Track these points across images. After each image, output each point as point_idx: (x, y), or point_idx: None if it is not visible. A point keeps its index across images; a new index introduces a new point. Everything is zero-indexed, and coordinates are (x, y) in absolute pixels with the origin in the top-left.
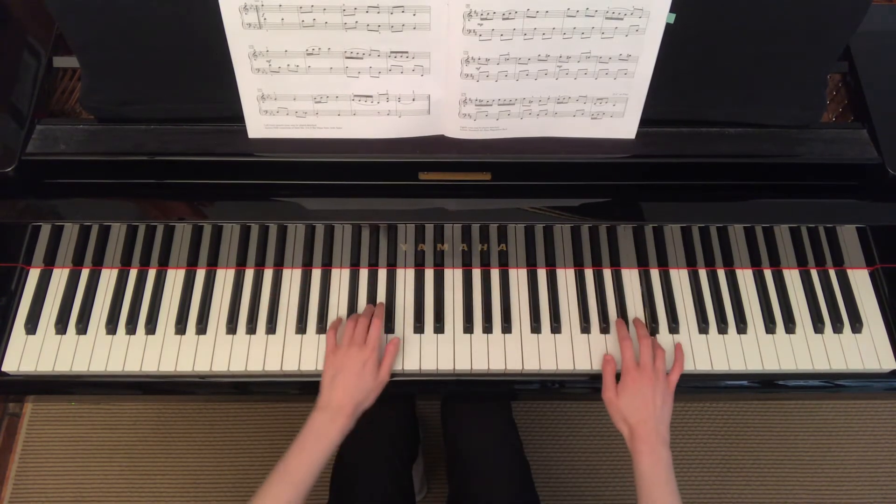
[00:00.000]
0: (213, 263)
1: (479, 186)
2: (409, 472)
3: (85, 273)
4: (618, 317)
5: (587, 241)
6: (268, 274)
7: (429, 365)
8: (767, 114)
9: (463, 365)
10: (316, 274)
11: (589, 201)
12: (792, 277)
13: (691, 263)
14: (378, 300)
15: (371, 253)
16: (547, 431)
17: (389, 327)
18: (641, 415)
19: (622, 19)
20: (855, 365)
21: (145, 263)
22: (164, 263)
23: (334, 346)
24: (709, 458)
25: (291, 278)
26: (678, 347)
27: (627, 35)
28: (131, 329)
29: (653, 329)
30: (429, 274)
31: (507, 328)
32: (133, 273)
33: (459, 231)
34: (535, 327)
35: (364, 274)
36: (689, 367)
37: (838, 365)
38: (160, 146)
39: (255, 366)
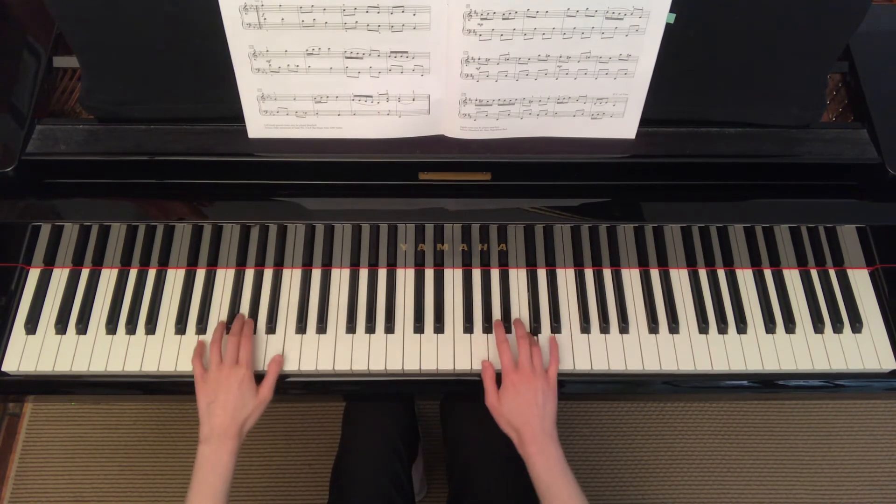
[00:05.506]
0: (213, 263)
1: (479, 186)
2: (409, 473)
3: (85, 273)
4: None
5: (587, 241)
6: (268, 274)
7: (429, 365)
8: (767, 114)
9: (463, 365)
10: (316, 274)
11: (589, 201)
12: (792, 277)
13: (691, 263)
14: (378, 300)
15: (371, 253)
16: None
17: (389, 327)
18: (526, 416)
19: (622, 19)
20: (855, 365)
21: (145, 263)
22: (164, 263)
23: (203, 372)
24: (709, 458)
25: (291, 278)
26: (552, 341)
27: (627, 35)
28: (131, 329)
29: (652, 329)
30: (429, 274)
31: (507, 328)
32: (133, 273)
33: (459, 231)
34: (535, 328)
35: (364, 274)
36: (688, 367)
37: (838, 365)
38: (160, 146)
39: (255, 366)
